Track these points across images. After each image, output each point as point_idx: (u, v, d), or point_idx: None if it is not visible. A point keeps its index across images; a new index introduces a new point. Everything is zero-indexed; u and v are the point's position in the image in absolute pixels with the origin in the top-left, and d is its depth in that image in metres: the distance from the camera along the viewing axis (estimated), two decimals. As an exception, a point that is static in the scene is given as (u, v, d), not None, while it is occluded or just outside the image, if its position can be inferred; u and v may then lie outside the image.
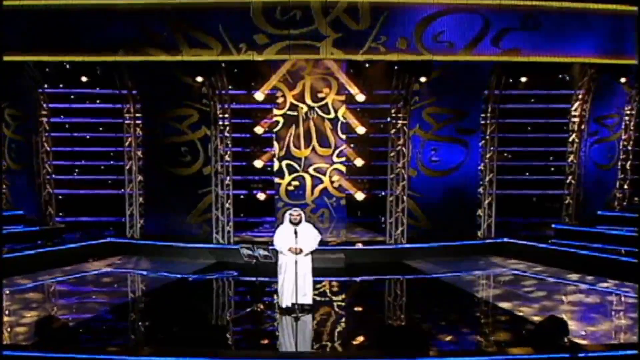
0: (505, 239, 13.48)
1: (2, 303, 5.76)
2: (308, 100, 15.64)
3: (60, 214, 14.95)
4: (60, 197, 15.08)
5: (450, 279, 11.30)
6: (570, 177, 14.36)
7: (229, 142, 13.43)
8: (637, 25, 10.96)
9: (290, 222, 8.60)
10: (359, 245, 13.27)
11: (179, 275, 11.53)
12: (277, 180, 15.99)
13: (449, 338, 7.82)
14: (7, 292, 9.89)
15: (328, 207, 16.09)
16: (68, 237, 14.04)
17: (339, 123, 15.77)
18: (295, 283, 8.34)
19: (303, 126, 15.73)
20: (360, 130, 15.37)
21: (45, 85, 14.14)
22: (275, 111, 15.73)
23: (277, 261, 8.73)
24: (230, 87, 13.67)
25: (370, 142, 15.72)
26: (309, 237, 8.64)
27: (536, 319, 8.26)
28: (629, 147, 14.39)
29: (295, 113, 15.71)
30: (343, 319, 9.15)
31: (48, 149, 14.19)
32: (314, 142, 15.80)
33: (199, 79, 12.49)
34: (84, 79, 14.74)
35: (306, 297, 8.67)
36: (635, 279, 9.52)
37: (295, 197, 15.88)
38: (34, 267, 11.52)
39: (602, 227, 13.15)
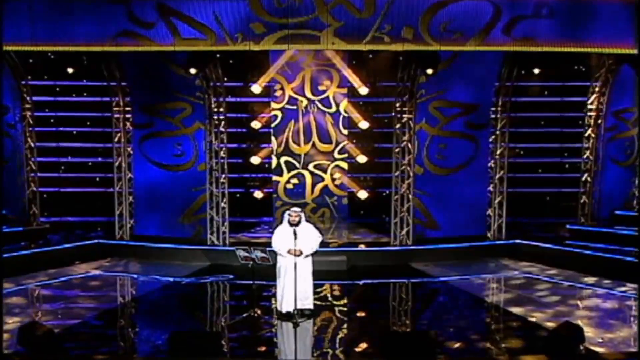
0: (517, 240, 13.47)
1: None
2: (308, 93, 15.63)
3: (45, 213, 14.95)
4: (45, 195, 15.07)
5: (458, 283, 11.29)
6: (586, 175, 14.34)
7: (224, 137, 13.40)
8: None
9: (289, 222, 8.60)
10: (362, 247, 13.26)
11: (171, 279, 11.52)
12: (275, 178, 16.00)
13: (457, 345, 7.81)
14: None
15: (329, 206, 16.10)
16: (53, 238, 14.05)
17: (341, 117, 15.77)
18: (294, 287, 8.32)
19: (303, 121, 15.73)
20: (363, 125, 15.36)
21: (29, 77, 14.12)
22: (273, 105, 15.73)
23: (276, 264, 8.72)
24: (225, 79, 13.63)
25: (373, 137, 15.73)
26: (309, 238, 8.63)
27: (550, 325, 8.26)
28: (649, 143, 14.38)
29: (295, 107, 15.71)
30: (345, 325, 9.14)
31: (32, 144, 14.18)
32: (315, 137, 15.80)
33: (193, 70, 12.45)
34: (70, 70, 14.75)
35: (306, 301, 8.66)
36: None
37: (294, 196, 15.88)
38: (17, 270, 11.47)
39: (621, 227, 13.12)
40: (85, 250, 13.30)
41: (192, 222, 13.66)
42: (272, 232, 8.98)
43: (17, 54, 12.92)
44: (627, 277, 10.94)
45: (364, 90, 15.00)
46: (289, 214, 8.66)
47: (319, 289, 10.34)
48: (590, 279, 11.29)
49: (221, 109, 13.27)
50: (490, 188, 13.69)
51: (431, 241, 13.29)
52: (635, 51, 11.28)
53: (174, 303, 10.37)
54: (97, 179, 15.93)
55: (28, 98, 14.04)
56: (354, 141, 15.88)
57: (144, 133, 13.70)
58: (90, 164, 16.11)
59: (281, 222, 8.84)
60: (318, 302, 9.62)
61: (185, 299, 10.65)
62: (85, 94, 15.87)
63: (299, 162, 15.90)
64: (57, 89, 15.78)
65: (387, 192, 14.22)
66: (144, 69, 13.23)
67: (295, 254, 8.41)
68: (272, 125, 15.80)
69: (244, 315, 9.01)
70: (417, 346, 6.08)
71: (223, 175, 13.29)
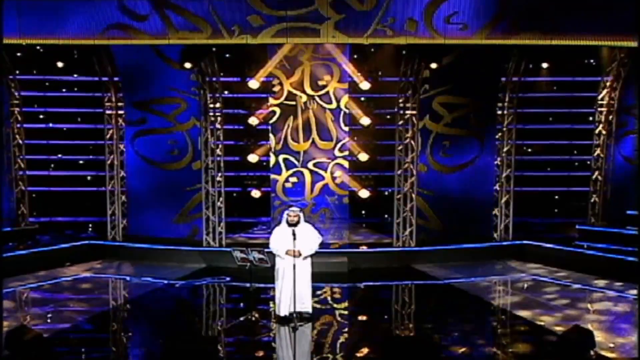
0: (525, 241, 13.48)
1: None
2: (307, 89, 15.61)
3: (34, 213, 14.94)
4: (34, 195, 15.08)
5: (463, 285, 11.29)
6: (596, 173, 14.34)
7: (220, 134, 13.40)
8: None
9: (288, 222, 8.59)
10: (364, 248, 13.26)
11: (165, 281, 11.52)
12: (273, 176, 15.98)
13: (462, 350, 7.80)
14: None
15: (329, 206, 16.08)
16: (43, 238, 14.05)
17: (342, 114, 15.75)
18: (293, 289, 8.32)
19: (302, 117, 15.71)
20: (365, 121, 15.34)
21: (17, 72, 14.11)
22: (272, 101, 15.71)
23: (274, 265, 8.72)
24: (221, 74, 13.63)
25: (375, 134, 15.71)
26: (309, 239, 8.62)
27: (559, 329, 8.25)
28: (662, 140, 14.35)
29: (294, 103, 15.69)
30: (346, 329, 9.14)
31: (20, 141, 14.19)
32: (314, 134, 15.78)
33: (188, 65, 12.44)
34: (60, 64, 14.71)
35: (305, 304, 8.66)
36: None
37: (293, 195, 15.87)
38: (5, 272, 11.46)
39: (632, 228, 13.11)
40: (76, 251, 13.31)
41: (187, 222, 13.66)
42: (270, 233, 8.97)
43: (5, 47, 12.88)
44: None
45: (365, 86, 14.98)
46: (288, 214, 8.66)
47: (319, 292, 10.35)
48: (601, 281, 11.29)
49: (217, 105, 13.26)
50: (497, 187, 13.69)
51: (435, 242, 13.29)
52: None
53: (168, 306, 10.36)
54: (89, 177, 15.91)
55: (16, 93, 14.04)
56: (355, 138, 15.86)
57: (136, 130, 13.70)
58: (81, 162, 16.09)
59: (279, 223, 8.84)
60: (318, 306, 9.62)
61: (180, 302, 10.65)
62: (75, 89, 15.83)
63: (298, 160, 15.89)
64: (47, 83, 15.74)
65: (390, 191, 14.23)
66: (137, 63, 13.21)
67: (294, 255, 8.40)
68: (270, 121, 15.78)
69: (241, 318, 9.01)
70: (421, 351, 6.07)
71: (219, 174, 13.29)
